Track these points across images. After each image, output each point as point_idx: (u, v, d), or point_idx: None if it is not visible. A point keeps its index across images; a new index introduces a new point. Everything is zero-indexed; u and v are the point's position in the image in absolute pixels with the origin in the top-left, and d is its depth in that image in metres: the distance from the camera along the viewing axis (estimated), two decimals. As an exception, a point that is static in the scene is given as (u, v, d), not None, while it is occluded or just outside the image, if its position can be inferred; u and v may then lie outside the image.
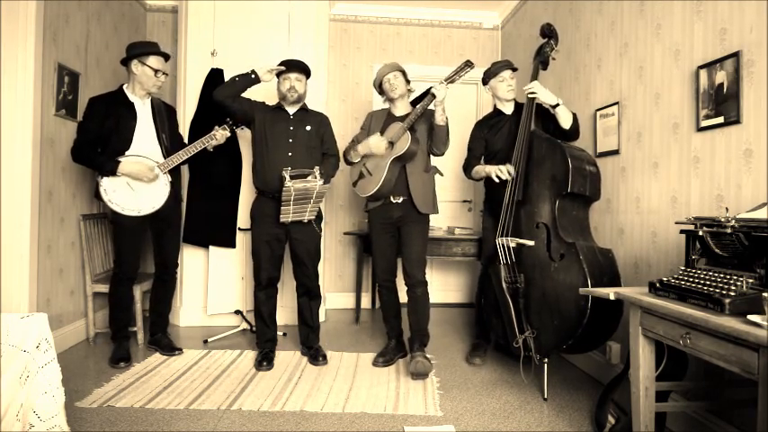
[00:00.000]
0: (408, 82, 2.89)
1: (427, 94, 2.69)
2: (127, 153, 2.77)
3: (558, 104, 2.58)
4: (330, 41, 4.28)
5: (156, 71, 2.83)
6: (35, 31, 2.75)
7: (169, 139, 2.96)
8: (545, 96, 2.59)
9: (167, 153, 2.89)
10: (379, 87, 2.91)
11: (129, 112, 2.84)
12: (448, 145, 2.83)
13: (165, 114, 3.00)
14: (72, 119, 3.14)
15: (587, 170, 2.45)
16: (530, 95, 2.62)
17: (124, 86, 2.89)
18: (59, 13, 3.01)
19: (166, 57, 2.92)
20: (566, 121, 2.60)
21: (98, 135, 2.76)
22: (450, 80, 2.60)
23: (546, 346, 2.39)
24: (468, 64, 2.60)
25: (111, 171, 2.71)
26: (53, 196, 3.01)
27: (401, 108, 2.88)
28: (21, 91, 2.72)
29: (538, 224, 2.48)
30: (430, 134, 2.78)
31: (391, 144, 2.73)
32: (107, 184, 2.74)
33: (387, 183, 2.74)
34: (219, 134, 2.93)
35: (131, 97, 2.87)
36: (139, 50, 2.83)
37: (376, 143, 2.75)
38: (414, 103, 2.92)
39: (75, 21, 3.18)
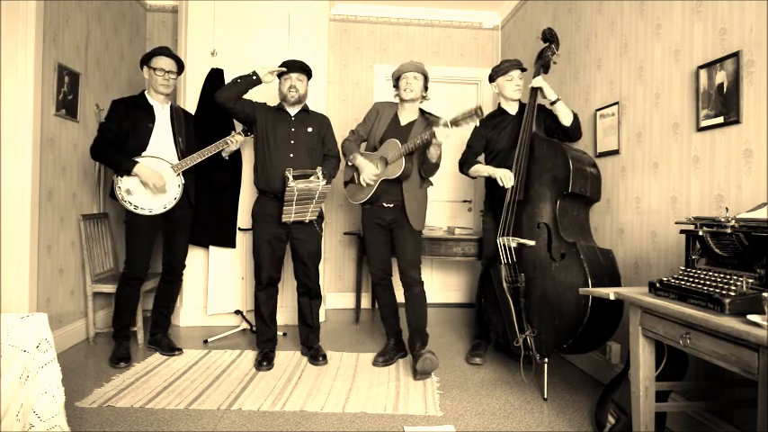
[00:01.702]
0: (427, 88, 2.85)
1: (434, 119, 2.69)
2: (143, 154, 2.83)
3: (557, 99, 2.67)
4: (330, 41, 4.28)
5: (156, 70, 2.89)
6: (35, 31, 2.75)
7: (185, 143, 3.01)
8: (547, 91, 2.69)
9: (183, 156, 2.94)
10: (396, 80, 2.86)
11: (148, 114, 2.91)
12: (435, 174, 2.82)
13: (182, 119, 3.06)
14: (72, 119, 3.15)
15: (588, 171, 2.47)
16: (534, 86, 2.70)
17: (145, 91, 2.98)
18: (59, 13, 3.01)
19: (175, 58, 2.96)
20: (566, 118, 2.67)
21: (117, 135, 2.83)
22: (456, 124, 2.52)
23: (546, 346, 2.39)
24: (478, 114, 2.47)
25: (127, 171, 2.77)
26: (53, 196, 3.01)
27: (409, 112, 2.86)
28: (21, 91, 2.72)
29: (539, 224, 2.48)
30: (422, 159, 2.75)
31: (385, 161, 2.75)
32: (122, 183, 2.79)
33: (375, 196, 2.80)
34: (236, 139, 2.97)
35: (151, 101, 2.95)
36: (147, 55, 2.94)
37: (368, 175, 2.76)
38: (422, 112, 2.89)
39: (75, 21, 3.19)
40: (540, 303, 2.42)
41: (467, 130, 3.07)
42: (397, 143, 2.71)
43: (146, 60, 2.93)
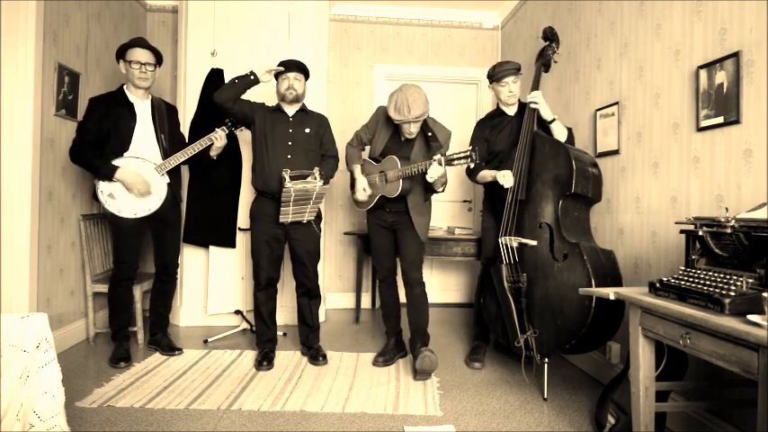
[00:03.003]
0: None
1: (435, 141, 2.68)
2: (125, 154, 2.77)
3: (553, 120, 2.69)
4: (330, 41, 4.28)
5: (131, 63, 2.79)
6: (35, 31, 2.75)
7: (168, 140, 2.94)
8: (544, 111, 2.69)
9: (166, 154, 2.88)
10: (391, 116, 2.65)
11: (129, 111, 2.83)
12: (443, 191, 2.82)
13: (165, 114, 2.98)
14: (72, 119, 3.14)
15: (590, 172, 2.47)
16: (532, 106, 2.67)
17: (124, 87, 2.89)
18: (59, 13, 3.01)
19: (152, 49, 2.87)
20: (560, 136, 2.70)
21: (97, 136, 2.75)
22: (449, 163, 2.48)
23: (548, 346, 2.39)
24: (472, 158, 2.41)
25: (108, 176, 2.70)
26: (53, 196, 3.01)
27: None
28: (21, 91, 2.72)
29: (541, 224, 2.48)
30: (425, 184, 2.70)
31: (385, 177, 2.74)
32: (104, 187, 2.73)
33: (375, 206, 2.84)
34: (219, 135, 2.90)
35: (131, 97, 2.87)
36: (121, 47, 2.84)
37: (359, 190, 2.81)
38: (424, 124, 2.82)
39: (75, 21, 3.19)
40: (542, 304, 2.42)
41: (468, 124, 3.07)
42: (397, 163, 2.68)
43: (121, 53, 2.82)
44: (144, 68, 2.81)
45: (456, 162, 2.47)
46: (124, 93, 2.87)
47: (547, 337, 2.39)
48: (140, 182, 2.74)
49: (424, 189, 2.79)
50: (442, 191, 2.77)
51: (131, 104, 2.85)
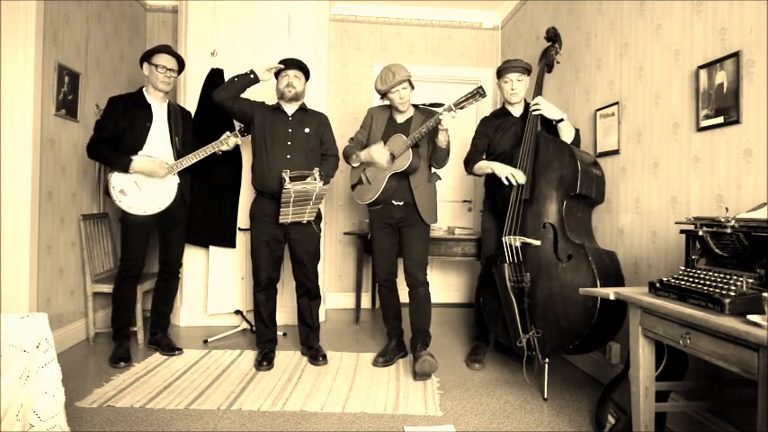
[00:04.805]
0: (413, 87, 2.80)
1: (435, 107, 2.67)
2: (139, 153, 2.82)
3: (561, 119, 2.63)
4: (330, 41, 4.28)
5: (157, 66, 2.88)
6: (35, 31, 2.75)
7: (182, 143, 3.00)
8: (549, 112, 2.64)
9: (179, 156, 2.94)
10: (383, 93, 2.78)
11: (146, 113, 2.91)
12: (447, 161, 2.81)
13: (180, 118, 3.05)
14: (72, 119, 3.15)
15: (594, 173, 2.47)
16: (534, 112, 2.64)
17: (144, 89, 2.96)
18: (59, 13, 3.01)
19: (176, 56, 2.97)
20: (567, 137, 2.65)
21: (113, 133, 2.82)
22: (460, 106, 2.50)
23: (550, 346, 2.39)
24: (480, 92, 2.45)
25: (124, 168, 2.76)
26: (53, 196, 3.01)
27: (404, 112, 2.84)
28: (21, 91, 2.72)
29: (545, 224, 2.47)
30: (431, 149, 2.75)
31: (392, 156, 2.72)
32: (116, 183, 2.78)
33: (384, 193, 2.75)
34: (232, 141, 2.97)
35: (149, 99, 2.94)
36: (148, 52, 2.93)
37: (379, 154, 2.72)
38: (416, 106, 2.88)
39: (75, 21, 3.19)
40: (544, 304, 2.41)
41: (469, 126, 3.07)
42: (402, 136, 2.70)
43: (147, 57, 2.91)
44: (168, 73, 2.91)
45: (465, 103, 2.49)
46: (143, 94, 2.95)
47: (549, 338, 2.39)
48: (158, 166, 2.81)
49: (429, 159, 2.78)
50: (447, 148, 2.69)
51: (149, 106, 2.93)
